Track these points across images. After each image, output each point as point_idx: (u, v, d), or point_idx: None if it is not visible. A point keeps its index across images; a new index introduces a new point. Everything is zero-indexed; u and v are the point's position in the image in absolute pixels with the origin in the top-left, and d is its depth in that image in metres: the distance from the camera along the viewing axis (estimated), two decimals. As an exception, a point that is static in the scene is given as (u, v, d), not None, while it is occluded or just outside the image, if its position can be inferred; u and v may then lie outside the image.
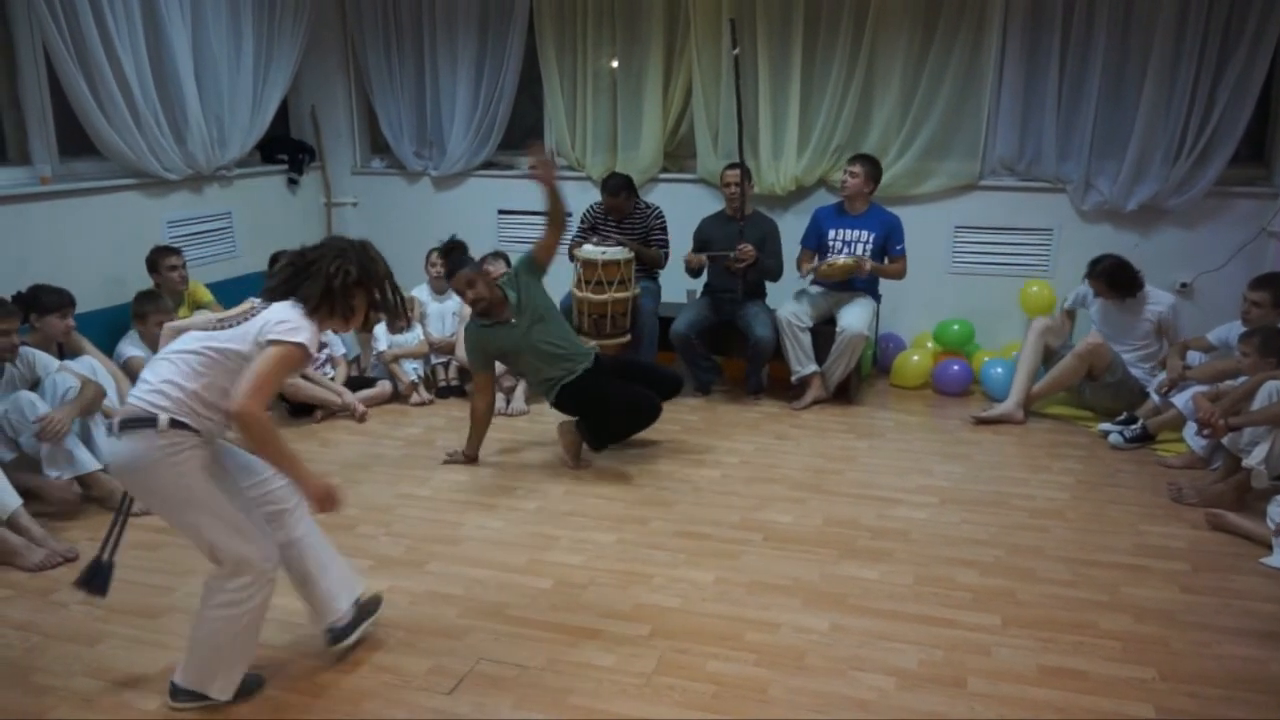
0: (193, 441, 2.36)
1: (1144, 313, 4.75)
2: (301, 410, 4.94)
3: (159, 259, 4.79)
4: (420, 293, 5.58)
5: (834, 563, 3.36)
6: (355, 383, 5.20)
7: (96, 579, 2.59)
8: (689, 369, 5.28)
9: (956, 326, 5.55)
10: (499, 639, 2.87)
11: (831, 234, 5.20)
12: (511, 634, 2.90)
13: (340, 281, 2.43)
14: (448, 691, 2.62)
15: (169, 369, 2.37)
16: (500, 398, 5.10)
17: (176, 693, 2.54)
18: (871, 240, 5.11)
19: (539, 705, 2.56)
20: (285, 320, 2.35)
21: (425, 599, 3.12)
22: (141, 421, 2.31)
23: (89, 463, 3.70)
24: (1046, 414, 4.96)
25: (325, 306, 2.43)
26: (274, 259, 5.16)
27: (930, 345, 5.59)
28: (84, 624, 2.96)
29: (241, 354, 2.35)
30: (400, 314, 2.63)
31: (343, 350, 5.21)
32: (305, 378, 4.87)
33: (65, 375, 3.80)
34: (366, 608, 2.82)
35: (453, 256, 4.23)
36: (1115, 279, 4.72)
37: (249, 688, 2.58)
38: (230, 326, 2.42)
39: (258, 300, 2.48)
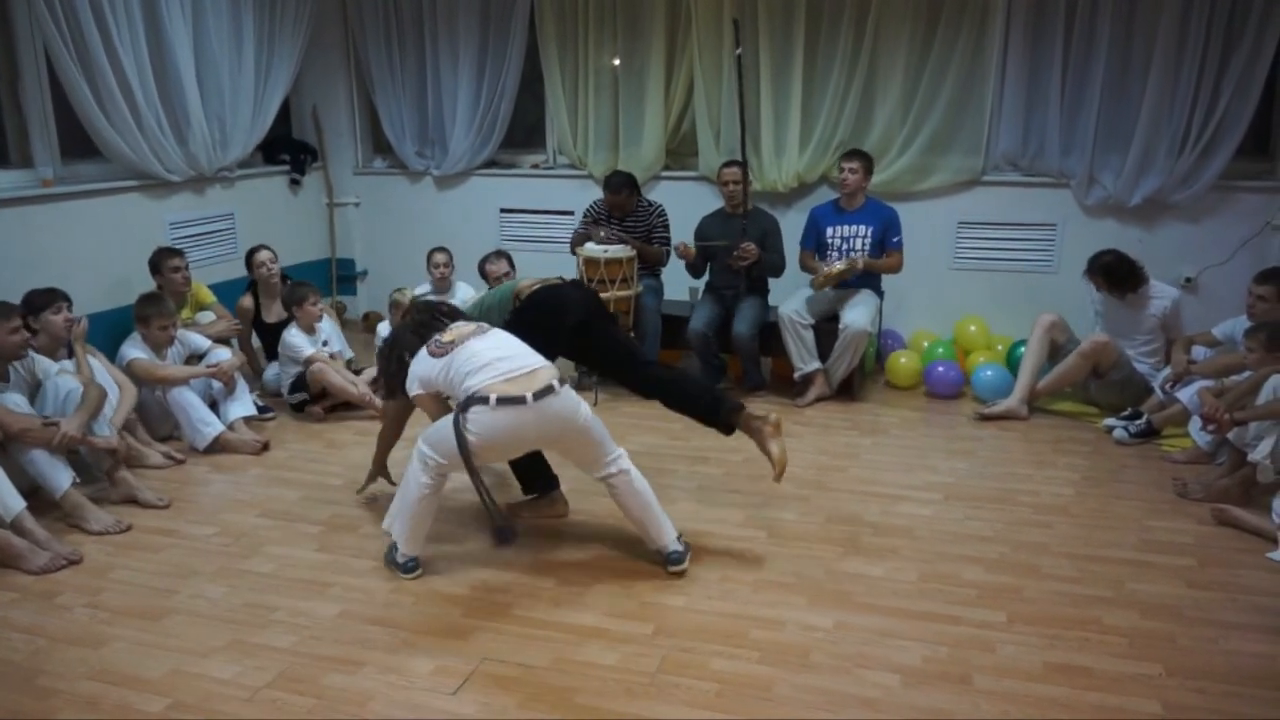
0: None
1: (1149, 308, 4.73)
2: (299, 406, 4.94)
3: (161, 260, 4.79)
4: (422, 292, 5.57)
5: (838, 560, 3.36)
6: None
7: (504, 534, 3.26)
8: (702, 366, 5.28)
9: (974, 327, 5.52)
10: (504, 639, 2.87)
11: (830, 231, 5.19)
12: (516, 633, 2.90)
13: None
14: (452, 692, 2.61)
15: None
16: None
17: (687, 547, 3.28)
18: (870, 234, 5.10)
19: (544, 705, 2.56)
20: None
21: (429, 599, 3.12)
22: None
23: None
24: (1050, 410, 4.95)
25: None
26: (250, 253, 5.31)
27: (940, 351, 5.53)
28: (88, 627, 2.97)
29: None
30: None
31: (339, 348, 5.19)
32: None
33: (66, 378, 3.80)
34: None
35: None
36: (1113, 274, 4.70)
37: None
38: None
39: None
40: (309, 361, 4.84)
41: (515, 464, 3.71)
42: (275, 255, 5.29)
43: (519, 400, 2.94)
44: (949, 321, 5.72)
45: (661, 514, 3.27)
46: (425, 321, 3.38)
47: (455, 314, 3.48)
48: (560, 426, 3.06)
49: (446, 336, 3.19)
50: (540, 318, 3.54)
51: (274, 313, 5.25)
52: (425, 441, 3.10)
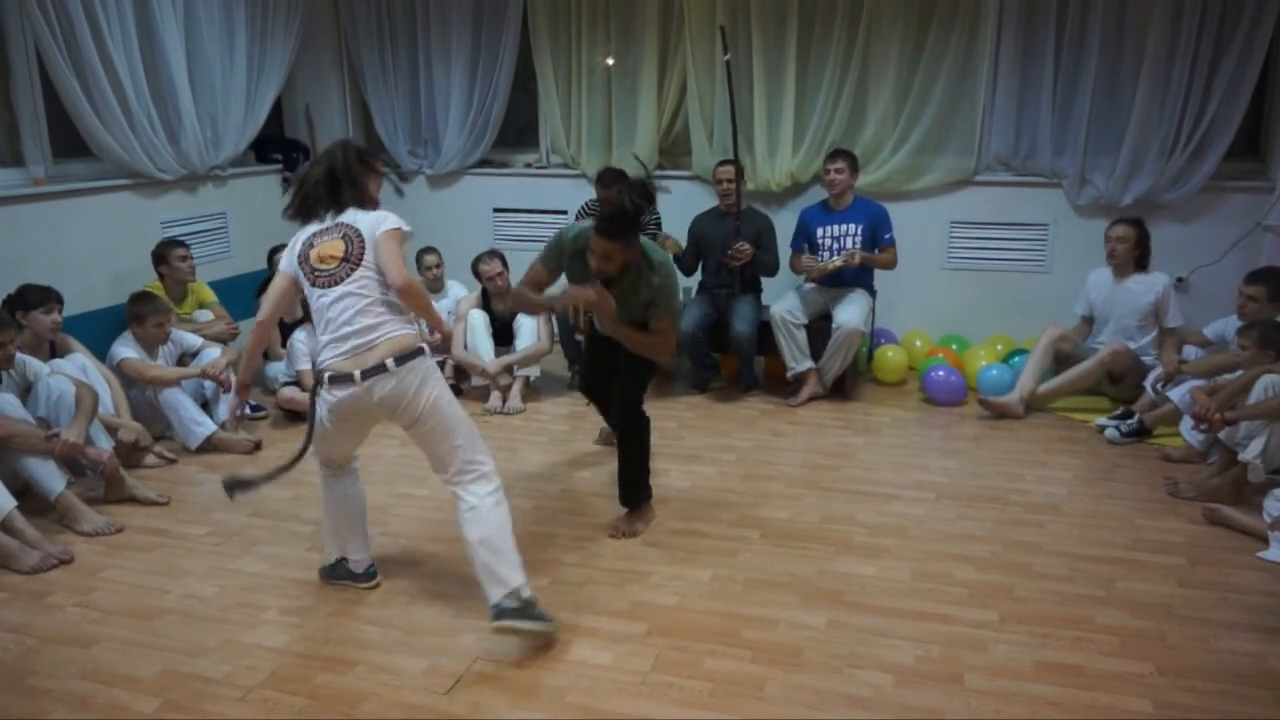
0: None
1: (1142, 294, 4.76)
2: (295, 416, 4.93)
3: (168, 250, 4.82)
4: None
5: (831, 559, 3.36)
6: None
7: (239, 486, 2.96)
8: (692, 366, 5.29)
9: (999, 347, 5.49)
10: (496, 639, 2.86)
11: (820, 232, 5.20)
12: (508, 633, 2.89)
13: (354, 170, 2.90)
14: (445, 692, 2.61)
15: (379, 312, 2.78)
16: (496, 396, 5.10)
17: (524, 605, 2.72)
18: (860, 232, 5.11)
19: (536, 704, 2.55)
20: (381, 216, 2.86)
21: (422, 598, 3.11)
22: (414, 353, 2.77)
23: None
24: (1045, 409, 4.96)
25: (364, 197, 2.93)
26: (274, 251, 5.32)
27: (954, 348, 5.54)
28: (79, 626, 2.96)
29: (376, 265, 2.80)
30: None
31: None
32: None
33: (59, 379, 3.79)
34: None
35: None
36: (1143, 230, 4.81)
37: None
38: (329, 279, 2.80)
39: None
40: (299, 375, 4.90)
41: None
42: None
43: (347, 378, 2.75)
44: (941, 321, 5.74)
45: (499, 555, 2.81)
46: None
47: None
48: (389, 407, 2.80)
49: (314, 257, 2.87)
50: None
51: (290, 312, 5.24)
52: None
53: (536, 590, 3.14)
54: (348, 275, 2.80)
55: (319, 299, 2.82)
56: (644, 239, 3.47)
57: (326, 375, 2.78)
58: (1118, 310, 4.84)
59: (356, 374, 2.73)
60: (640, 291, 3.44)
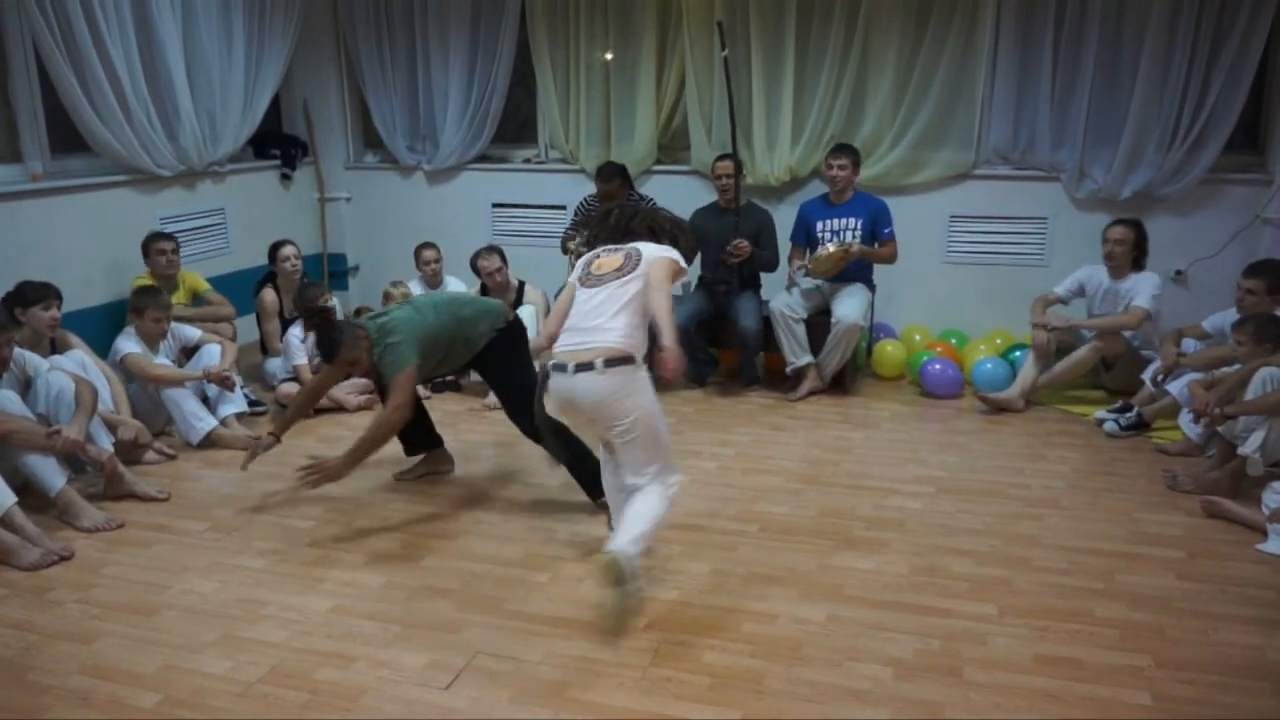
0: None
1: (1134, 294, 4.76)
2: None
3: (149, 245, 4.84)
4: (414, 288, 5.56)
5: (830, 553, 3.37)
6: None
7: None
8: (688, 361, 5.28)
9: (998, 341, 5.49)
10: (496, 633, 2.87)
11: (819, 226, 5.20)
12: (508, 628, 2.90)
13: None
14: (445, 686, 2.61)
15: (625, 319, 2.95)
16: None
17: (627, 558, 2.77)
18: (859, 226, 5.11)
19: (536, 699, 2.56)
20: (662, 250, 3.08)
21: (422, 593, 3.12)
22: (623, 359, 2.92)
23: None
24: (1044, 403, 4.96)
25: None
26: (274, 247, 5.30)
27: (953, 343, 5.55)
28: (80, 622, 2.96)
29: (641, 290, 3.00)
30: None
31: None
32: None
33: (58, 375, 3.79)
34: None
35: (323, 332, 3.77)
36: (1141, 232, 4.78)
37: None
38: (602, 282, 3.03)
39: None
40: (296, 370, 4.90)
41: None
42: (298, 250, 5.35)
43: (561, 368, 2.97)
44: (940, 316, 5.74)
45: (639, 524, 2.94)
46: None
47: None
48: (583, 405, 2.96)
49: (595, 267, 3.13)
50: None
51: (291, 307, 5.26)
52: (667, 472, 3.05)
53: (534, 584, 3.16)
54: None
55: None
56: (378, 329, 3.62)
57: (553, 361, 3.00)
58: (1113, 310, 4.82)
59: (571, 365, 2.93)
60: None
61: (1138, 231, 4.78)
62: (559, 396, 3.00)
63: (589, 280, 3.07)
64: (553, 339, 3.10)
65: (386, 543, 3.49)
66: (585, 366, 2.89)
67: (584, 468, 3.61)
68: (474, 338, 3.74)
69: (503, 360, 3.82)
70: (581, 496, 3.71)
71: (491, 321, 3.78)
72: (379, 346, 3.61)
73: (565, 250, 5.11)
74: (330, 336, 3.67)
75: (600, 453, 3.26)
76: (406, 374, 3.56)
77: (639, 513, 2.91)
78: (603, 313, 2.97)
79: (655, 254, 3.07)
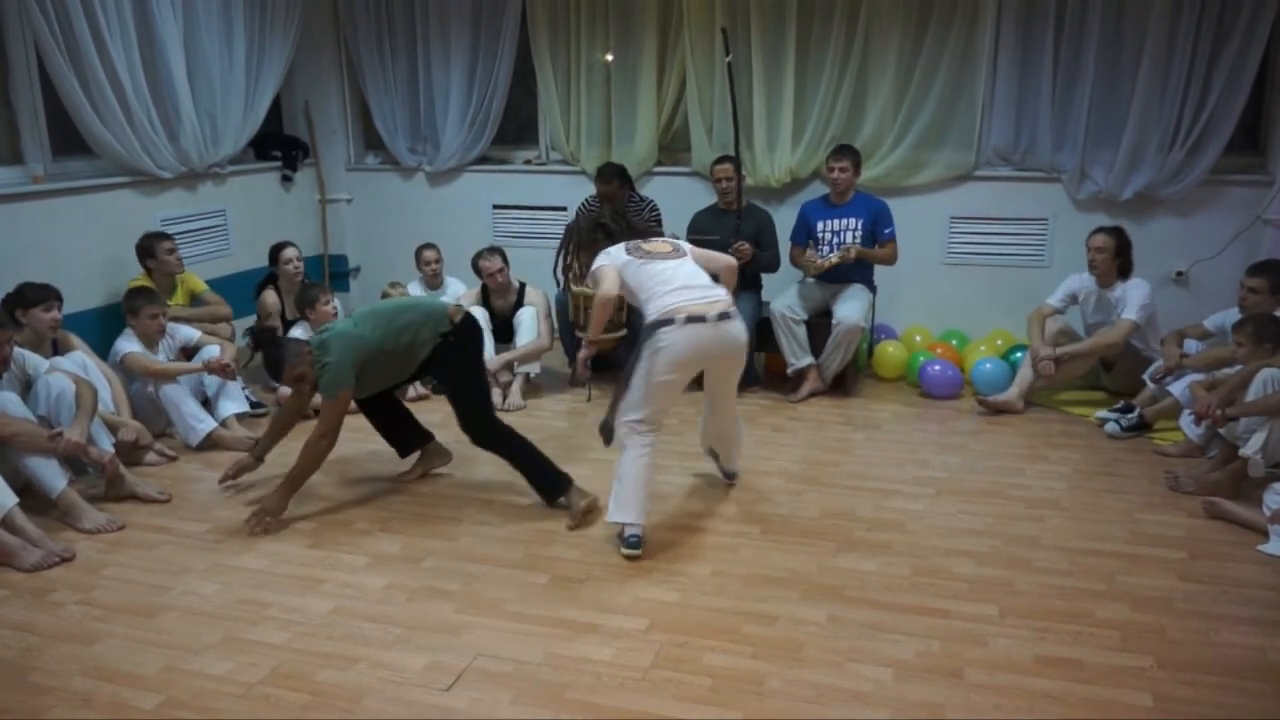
0: None
1: (1125, 300, 4.74)
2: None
3: (154, 244, 4.80)
4: (414, 289, 5.57)
5: (831, 555, 3.37)
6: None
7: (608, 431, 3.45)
8: None
9: (999, 341, 5.49)
10: (497, 634, 2.87)
11: (820, 226, 5.20)
12: (509, 629, 2.90)
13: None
14: (445, 688, 2.61)
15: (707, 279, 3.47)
16: (496, 393, 5.09)
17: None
18: (860, 227, 5.11)
19: (537, 700, 2.56)
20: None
21: (422, 595, 3.12)
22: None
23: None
24: (1044, 404, 4.96)
25: None
26: (276, 249, 5.35)
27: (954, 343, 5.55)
28: (81, 624, 2.96)
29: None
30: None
31: None
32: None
33: (58, 377, 3.79)
34: None
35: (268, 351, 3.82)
36: (1123, 239, 4.75)
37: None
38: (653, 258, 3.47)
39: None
40: None
41: (385, 431, 4.07)
42: (300, 252, 5.35)
43: (701, 319, 3.25)
44: (941, 316, 5.73)
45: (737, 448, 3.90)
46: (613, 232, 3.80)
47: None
48: (730, 349, 3.40)
49: (646, 247, 3.55)
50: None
51: (293, 309, 5.26)
52: (623, 414, 3.38)
53: (534, 586, 3.16)
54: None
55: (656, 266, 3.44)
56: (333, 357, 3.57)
57: (683, 315, 3.24)
58: (1104, 319, 4.81)
59: (711, 314, 3.27)
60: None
61: (1119, 239, 4.74)
62: (697, 343, 3.27)
63: (655, 255, 3.47)
64: (608, 303, 3.51)
65: (387, 544, 3.49)
66: (727, 315, 3.31)
67: (538, 470, 3.77)
68: (417, 344, 3.70)
69: (448, 369, 3.79)
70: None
71: (435, 327, 3.71)
72: (318, 364, 3.59)
73: (566, 283, 4.87)
74: (272, 355, 3.73)
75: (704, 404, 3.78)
76: (338, 400, 3.58)
77: (742, 435, 3.91)
78: (700, 277, 3.43)
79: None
